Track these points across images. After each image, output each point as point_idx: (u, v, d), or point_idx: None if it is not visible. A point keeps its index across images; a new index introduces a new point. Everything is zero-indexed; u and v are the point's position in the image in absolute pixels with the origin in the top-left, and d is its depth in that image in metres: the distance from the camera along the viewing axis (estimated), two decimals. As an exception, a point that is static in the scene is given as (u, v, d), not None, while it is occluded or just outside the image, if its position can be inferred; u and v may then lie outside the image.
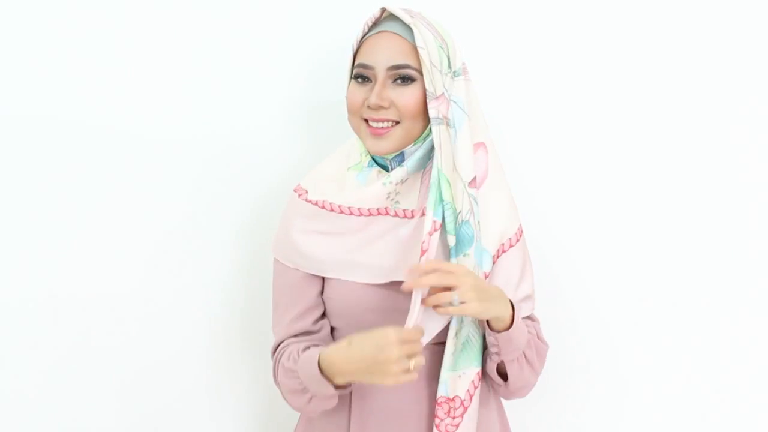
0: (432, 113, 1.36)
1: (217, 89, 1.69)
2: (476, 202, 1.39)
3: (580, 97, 1.78)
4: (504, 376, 1.42)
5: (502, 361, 1.38)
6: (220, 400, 1.75)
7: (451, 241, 1.38)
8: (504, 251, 1.42)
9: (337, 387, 1.32)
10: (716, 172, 1.79)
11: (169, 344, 1.71)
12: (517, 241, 1.44)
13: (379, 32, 1.38)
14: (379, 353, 1.24)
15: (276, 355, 1.43)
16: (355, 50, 1.41)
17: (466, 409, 1.38)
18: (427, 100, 1.36)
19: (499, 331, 1.35)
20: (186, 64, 1.67)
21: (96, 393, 1.68)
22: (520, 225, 1.45)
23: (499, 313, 1.33)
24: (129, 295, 1.68)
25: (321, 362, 1.31)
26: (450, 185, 1.36)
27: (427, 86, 1.35)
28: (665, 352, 1.81)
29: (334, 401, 1.36)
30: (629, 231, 1.79)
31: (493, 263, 1.41)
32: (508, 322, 1.35)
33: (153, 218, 1.68)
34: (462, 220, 1.37)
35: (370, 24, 1.40)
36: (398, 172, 1.38)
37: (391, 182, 1.38)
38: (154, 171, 1.67)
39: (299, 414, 1.53)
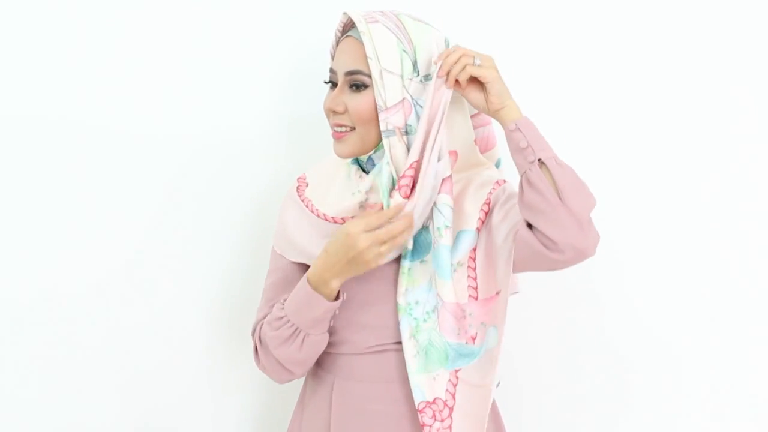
0: (381, 126, 1.36)
1: (206, 90, 1.73)
2: (440, 210, 1.39)
3: (583, 97, 1.77)
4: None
5: (542, 165, 1.31)
6: (217, 396, 1.78)
7: (409, 244, 1.40)
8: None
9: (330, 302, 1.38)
10: (724, 169, 1.77)
11: (163, 343, 1.74)
12: None
13: (346, 37, 1.41)
14: (349, 251, 1.33)
15: (256, 331, 1.47)
16: (331, 55, 1.45)
17: (451, 408, 1.38)
18: (378, 111, 1.37)
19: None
20: (176, 64, 1.71)
21: (92, 389, 1.72)
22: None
23: (510, 101, 1.35)
24: (121, 294, 1.72)
25: (309, 280, 1.38)
26: None
27: (376, 98, 1.36)
28: (664, 353, 1.79)
29: (325, 341, 1.42)
30: (633, 230, 1.78)
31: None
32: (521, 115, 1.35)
33: (144, 219, 1.72)
34: (423, 225, 1.40)
35: (340, 29, 1.43)
36: (366, 182, 1.40)
37: (359, 191, 1.41)
38: (144, 172, 1.71)
39: (293, 409, 1.57)
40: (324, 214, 1.44)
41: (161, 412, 1.74)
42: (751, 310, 1.78)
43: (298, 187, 1.52)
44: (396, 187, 1.35)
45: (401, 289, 1.40)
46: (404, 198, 1.34)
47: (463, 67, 1.33)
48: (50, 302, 1.68)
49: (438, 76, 1.35)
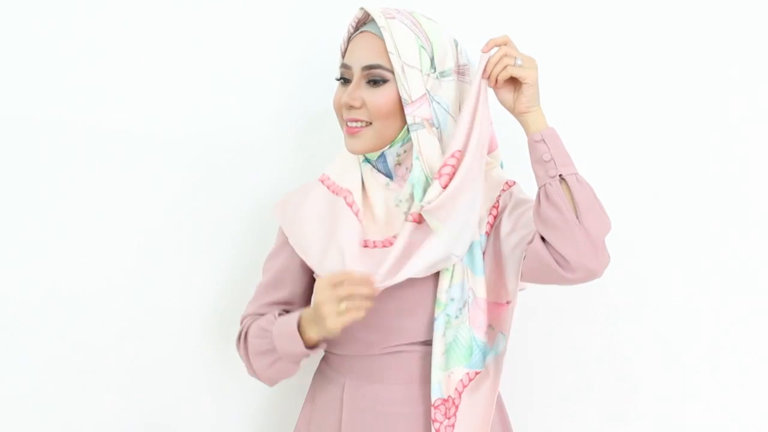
0: (409, 119, 1.36)
1: (211, 91, 1.71)
2: None
3: (585, 98, 1.78)
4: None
5: (563, 181, 1.30)
6: (219, 397, 1.77)
7: None
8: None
9: (307, 347, 1.36)
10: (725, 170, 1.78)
11: (166, 342, 1.73)
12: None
13: (360, 33, 1.40)
14: (315, 297, 1.32)
15: (245, 322, 1.47)
16: (342, 51, 1.44)
17: (457, 407, 1.38)
18: (403, 105, 1.36)
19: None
20: (180, 64, 1.70)
21: (93, 390, 1.70)
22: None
23: (538, 107, 1.34)
24: (125, 293, 1.70)
25: (301, 318, 1.36)
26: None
27: (401, 92, 1.36)
28: (671, 352, 1.79)
29: (294, 370, 1.41)
30: (645, 232, 1.78)
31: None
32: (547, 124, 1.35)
33: (150, 216, 1.70)
34: None
35: (354, 24, 1.42)
36: (406, 190, 1.39)
37: (400, 201, 1.40)
38: (149, 171, 1.69)
39: (299, 414, 1.56)
40: (378, 242, 1.40)
41: (163, 412, 1.73)
42: (762, 314, 1.78)
43: (323, 182, 1.48)
44: (436, 175, 1.33)
45: (444, 285, 1.39)
46: (443, 188, 1.32)
47: (504, 67, 1.32)
48: (51, 302, 1.66)
49: (482, 78, 1.35)
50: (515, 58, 1.32)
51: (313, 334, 1.34)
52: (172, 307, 1.72)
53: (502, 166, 1.55)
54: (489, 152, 1.52)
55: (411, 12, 1.42)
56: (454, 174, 1.32)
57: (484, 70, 1.34)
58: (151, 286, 1.71)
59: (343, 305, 1.29)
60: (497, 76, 1.33)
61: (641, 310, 1.79)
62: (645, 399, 1.80)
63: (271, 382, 1.45)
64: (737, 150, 1.77)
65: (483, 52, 1.35)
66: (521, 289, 1.47)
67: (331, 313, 1.29)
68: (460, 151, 1.33)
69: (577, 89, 1.77)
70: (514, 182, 1.46)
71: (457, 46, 1.43)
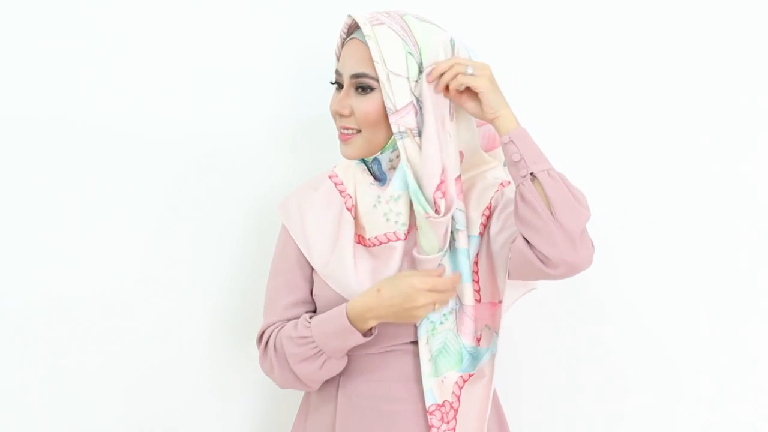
0: (393, 128, 1.37)
1: (209, 94, 1.73)
2: (452, 214, 1.39)
3: (583, 98, 1.76)
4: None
5: (534, 179, 1.30)
6: (221, 398, 1.79)
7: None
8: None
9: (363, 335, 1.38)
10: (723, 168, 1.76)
11: (168, 344, 1.75)
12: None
13: (351, 39, 1.41)
14: (407, 301, 1.33)
15: (265, 336, 1.46)
16: (336, 56, 1.44)
17: (456, 410, 1.39)
18: (388, 114, 1.36)
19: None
20: (177, 68, 1.71)
21: (96, 393, 1.72)
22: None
23: (505, 110, 1.34)
24: (125, 296, 1.72)
25: (348, 313, 1.37)
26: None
27: (385, 101, 1.36)
28: (661, 351, 1.79)
29: (343, 363, 1.42)
30: (626, 230, 1.77)
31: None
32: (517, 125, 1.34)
33: (147, 219, 1.72)
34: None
35: (345, 30, 1.42)
36: (387, 192, 1.40)
37: (380, 201, 1.40)
38: (146, 174, 1.71)
39: (296, 411, 1.58)
40: (374, 238, 1.43)
41: (165, 415, 1.75)
42: (750, 312, 1.77)
43: (330, 177, 1.50)
44: (431, 201, 1.35)
45: None
46: (444, 216, 1.35)
47: (455, 76, 1.33)
48: (55, 306, 1.69)
49: (428, 82, 1.35)
50: (466, 66, 1.32)
51: (377, 321, 1.37)
52: (172, 310, 1.74)
53: (506, 163, 1.54)
54: (490, 149, 1.52)
55: (403, 15, 1.40)
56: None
57: (430, 74, 1.35)
58: (151, 289, 1.73)
59: (438, 306, 1.36)
60: (448, 84, 1.34)
61: (630, 309, 1.78)
62: (636, 398, 1.80)
63: (316, 384, 1.44)
64: (726, 149, 1.76)
65: (429, 82, 1.35)
66: (531, 289, 1.46)
67: (424, 312, 1.35)
68: (443, 169, 1.36)
69: (570, 90, 1.76)
70: (509, 182, 1.46)
71: (453, 46, 1.41)
